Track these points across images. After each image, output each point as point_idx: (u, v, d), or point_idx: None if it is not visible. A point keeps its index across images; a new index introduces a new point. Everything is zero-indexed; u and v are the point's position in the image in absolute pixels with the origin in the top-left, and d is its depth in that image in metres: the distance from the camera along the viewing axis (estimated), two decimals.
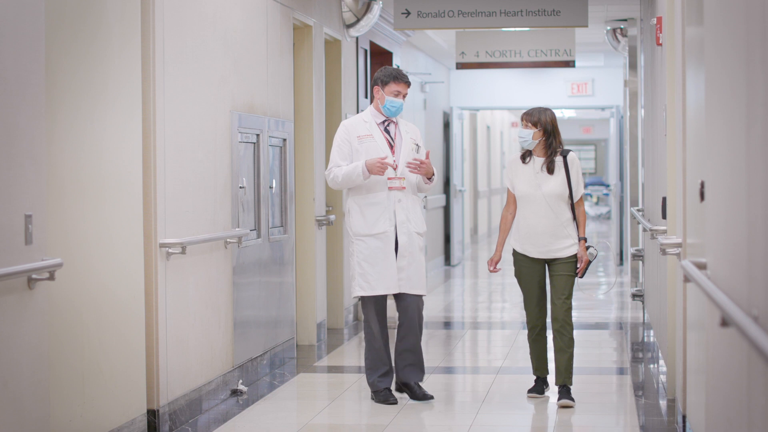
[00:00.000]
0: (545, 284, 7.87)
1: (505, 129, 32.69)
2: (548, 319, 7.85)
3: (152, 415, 6.92)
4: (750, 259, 3.86)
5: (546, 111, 7.82)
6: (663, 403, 7.85)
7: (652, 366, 9.39)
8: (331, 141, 9.80)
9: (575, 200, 7.81)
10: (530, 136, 7.76)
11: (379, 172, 7.71)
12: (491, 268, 7.95)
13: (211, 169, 7.89)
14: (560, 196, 7.76)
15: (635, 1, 12.49)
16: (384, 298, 7.90)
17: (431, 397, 7.89)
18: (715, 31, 4.78)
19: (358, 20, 11.79)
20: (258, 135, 8.92)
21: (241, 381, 8.35)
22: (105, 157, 6.34)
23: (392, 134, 7.95)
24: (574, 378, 7.91)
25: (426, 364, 8.17)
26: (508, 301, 14.71)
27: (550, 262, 7.81)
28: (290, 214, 9.75)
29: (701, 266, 5.06)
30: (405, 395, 7.97)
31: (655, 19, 9.12)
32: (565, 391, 7.77)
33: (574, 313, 8.25)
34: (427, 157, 7.88)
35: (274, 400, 8.13)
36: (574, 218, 7.81)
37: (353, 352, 10.32)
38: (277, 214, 9.52)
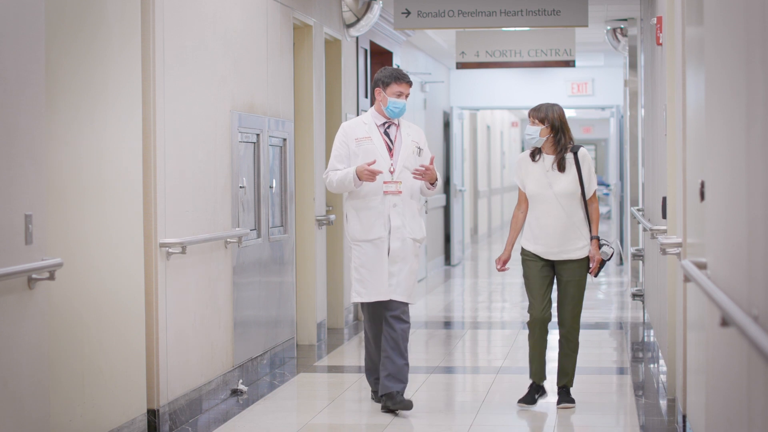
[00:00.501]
0: (552, 281, 7.68)
1: (505, 129, 32.68)
2: (552, 320, 7.69)
3: (152, 414, 6.92)
4: (750, 259, 3.86)
5: (554, 106, 7.61)
6: (663, 403, 7.84)
7: (652, 366, 9.39)
8: (331, 141, 9.81)
9: (588, 197, 7.59)
10: (538, 133, 7.55)
11: (368, 179, 7.50)
12: (499, 267, 7.76)
13: (211, 169, 7.88)
14: (572, 195, 7.55)
15: (635, 1, 12.49)
16: (379, 304, 7.70)
17: (408, 407, 7.49)
18: (715, 31, 4.78)
19: (358, 20, 11.79)
20: (258, 135, 8.92)
21: (241, 381, 8.35)
22: (105, 156, 6.34)
23: (392, 137, 7.74)
24: (574, 378, 7.89)
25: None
26: (508, 301, 14.71)
27: (561, 263, 7.63)
28: (290, 213, 9.75)
29: (701, 266, 5.06)
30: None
31: (655, 18, 9.11)
32: (564, 393, 7.74)
33: None
34: (432, 162, 7.67)
35: (274, 399, 8.13)
36: (587, 217, 7.62)
37: (353, 352, 10.32)
38: (277, 214, 9.52)
